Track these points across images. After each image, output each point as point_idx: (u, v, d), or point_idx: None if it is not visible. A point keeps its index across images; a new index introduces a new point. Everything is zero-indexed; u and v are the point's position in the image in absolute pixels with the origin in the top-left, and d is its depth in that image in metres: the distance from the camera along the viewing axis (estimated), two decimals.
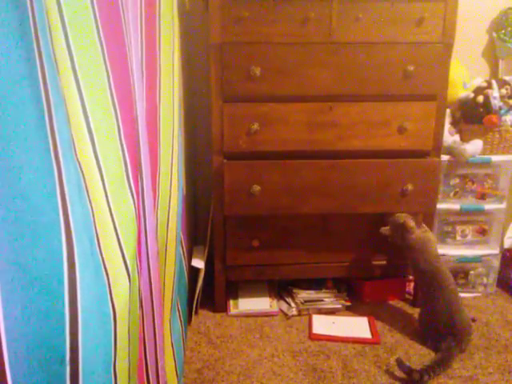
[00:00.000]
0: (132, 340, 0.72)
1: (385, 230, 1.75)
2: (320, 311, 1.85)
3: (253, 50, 1.59)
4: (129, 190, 0.72)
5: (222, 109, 1.64)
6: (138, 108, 0.86)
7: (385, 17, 1.60)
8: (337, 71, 1.63)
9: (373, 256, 1.86)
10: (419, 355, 1.57)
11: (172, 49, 1.23)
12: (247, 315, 1.82)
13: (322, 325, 1.75)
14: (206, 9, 1.63)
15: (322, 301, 1.86)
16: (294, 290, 1.90)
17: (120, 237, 0.69)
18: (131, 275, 0.70)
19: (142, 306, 0.90)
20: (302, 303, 1.84)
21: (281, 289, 1.97)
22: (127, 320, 0.68)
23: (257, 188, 1.66)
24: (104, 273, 0.62)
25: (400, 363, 1.45)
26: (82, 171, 0.61)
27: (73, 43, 0.60)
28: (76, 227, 0.54)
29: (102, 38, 0.66)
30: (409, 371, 1.43)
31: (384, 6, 1.59)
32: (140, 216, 0.87)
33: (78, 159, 0.60)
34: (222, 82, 1.62)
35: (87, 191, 0.61)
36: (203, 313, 1.85)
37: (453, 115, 1.96)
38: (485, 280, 1.99)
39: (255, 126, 1.63)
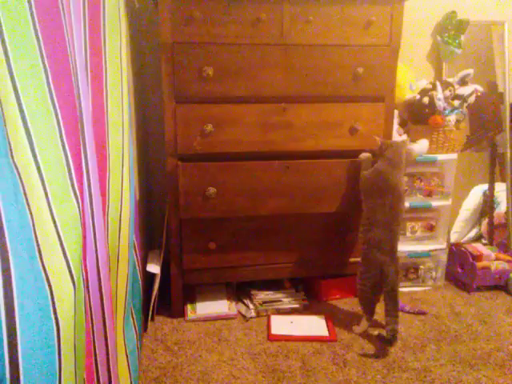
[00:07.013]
0: (77, 351, 0.68)
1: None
2: (279, 311, 1.85)
3: (205, 51, 1.57)
4: (72, 194, 0.68)
5: (175, 110, 1.61)
6: (83, 108, 0.82)
7: (334, 20, 1.63)
8: (289, 72, 1.64)
9: (328, 255, 1.88)
10: (375, 350, 1.61)
11: (119, 49, 1.19)
12: (205, 319, 1.79)
13: (281, 325, 1.76)
14: (155, 8, 1.59)
15: (280, 301, 1.87)
16: (252, 292, 1.89)
17: (64, 243, 0.65)
18: (76, 282, 0.66)
19: (91, 316, 0.86)
20: (260, 304, 1.84)
21: (239, 291, 1.96)
22: (72, 330, 0.64)
23: (212, 190, 1.64)
24: (46, 285, 0.58)
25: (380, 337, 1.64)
26: (20, 175, 0.57)
27: (8, 41, 0.57)
28: (12, 238, 0.50)
29: (40, 37, 0.63)
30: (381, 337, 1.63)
31: (334, 9, 1.62)
32: (87, 222, 0.83)
33: (14, 162, 0.57)
34: (174, 83, 1.59)
35: (25, 196, 0.57)
36: (160, 319, 1.80)
37: (400, 116, 2.03)
38: (434, 274, 2.07)
39: (209, 128, 1.61)
